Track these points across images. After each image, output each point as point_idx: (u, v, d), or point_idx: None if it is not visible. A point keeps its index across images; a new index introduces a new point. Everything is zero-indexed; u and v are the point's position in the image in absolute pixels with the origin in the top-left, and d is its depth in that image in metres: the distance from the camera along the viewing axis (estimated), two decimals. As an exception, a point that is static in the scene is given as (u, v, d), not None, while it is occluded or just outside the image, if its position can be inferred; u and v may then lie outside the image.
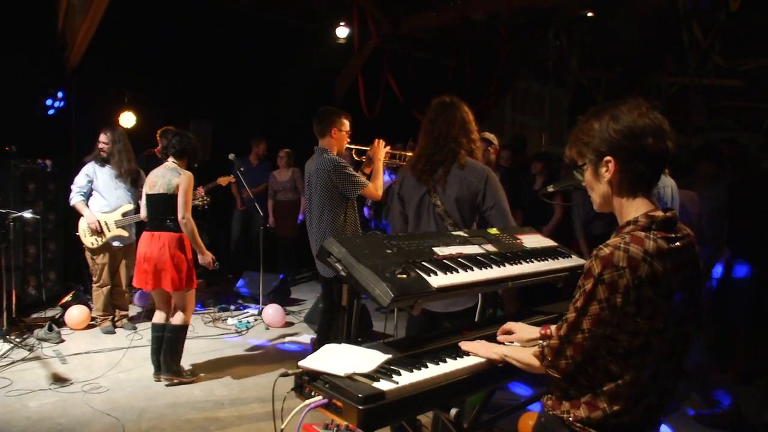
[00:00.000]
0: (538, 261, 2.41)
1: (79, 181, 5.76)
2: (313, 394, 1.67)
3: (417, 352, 1.91)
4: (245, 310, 6.87)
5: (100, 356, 5.23)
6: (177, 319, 4.66)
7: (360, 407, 1.52)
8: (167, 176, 4.58)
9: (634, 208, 1.65)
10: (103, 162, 5.81)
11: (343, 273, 1.91)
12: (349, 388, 1.57)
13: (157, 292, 4.68)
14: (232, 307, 6.93)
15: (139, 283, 4.66)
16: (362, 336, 5.53)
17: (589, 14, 7.76)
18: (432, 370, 1.75)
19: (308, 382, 1.69)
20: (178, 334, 4.65)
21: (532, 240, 2.64)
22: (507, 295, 5.59)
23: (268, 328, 6.28)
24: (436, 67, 9.46)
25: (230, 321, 6.40)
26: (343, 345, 1.84)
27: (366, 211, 7.67)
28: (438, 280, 1.94)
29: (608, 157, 1.62)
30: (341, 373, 1.63)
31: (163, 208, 4.60)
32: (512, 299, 5.54)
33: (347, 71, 9.37)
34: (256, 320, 6.50)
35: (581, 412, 1.63)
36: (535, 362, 1.69)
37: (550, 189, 2.35)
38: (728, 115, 12.60)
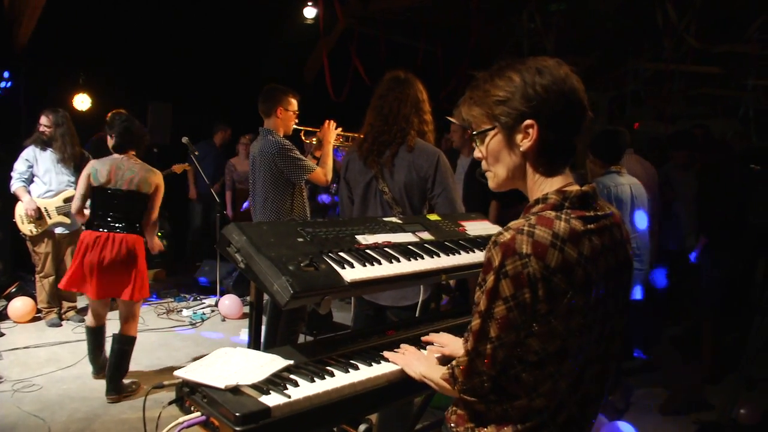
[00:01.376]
0: (481, 250, 2.15)
1: (19, 167, 5.40)
2: (192, 409, 1.41)
3: (327, 356, 1.65)
4: (202, 301, 6.57)
5: (39, 351, 4.91)
6: (126, 329, 4.15)
7: (236, 428, 1.26)
8: (142, 174, 4.00)
9: (548, 185, 1.35)
10: (44, 145, 5.44)
11: (242, 265, 1.64)
12: (227, 404, 1.31)
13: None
14: (190, 298, 6.63)
15: (85, 289, 4.01)
16: (320, 328, 5.28)
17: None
18: (338, 380, 1.49)
19: (188, 395, 1.43)
20: (129, 345, 4.18)
21: (478, 227, 2.38)
22: (472, 285, 5.31)
23: (224, 320, 6.00)
24: (406, 50, 9.16)
25: (185, 312, 6.11)
26: (238, 349, 1.58)
27: (326, 197, 7.38)
28: (353, 273, 1.68)
29: (530, 121, 1.30)
30: (221, 384, 1.37)
31: (132, 207, 4.04)
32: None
33: (316, 54, 9.04)
34: (212, 311, 6.21)
35: (489, 430, 1.35)
36: (447, 386, 1.40)
37: (487, 169, 2.09)
38: (706, 102, 12.47)
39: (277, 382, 1.43)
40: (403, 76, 2.85)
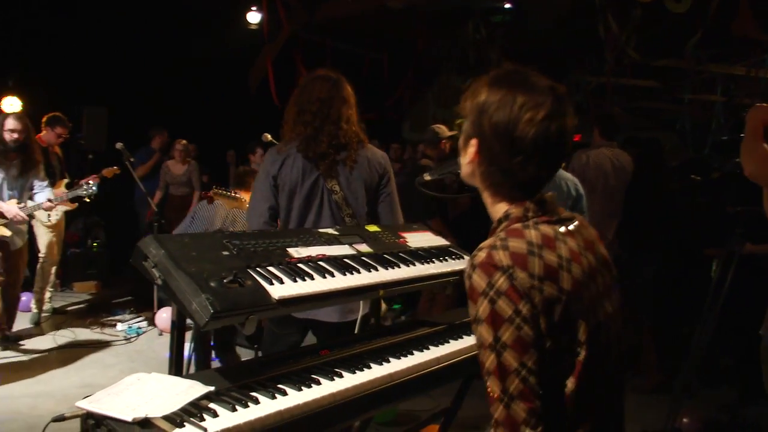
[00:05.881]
0: (422, 263, 2.06)
1: None
2: (98, 444, 1.26)
3: (252, 381, 1.52)
4: (138, 315, 6.26)
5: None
6: None
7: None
8: None
9: (500, 208, 1.31)
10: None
11: (159, 282, 1.51)
12: (134, 441, 1.17)
13: None
14: (126, 312, 6.30)
15: None
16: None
17: (507, 5, 7.58)
18: (263, 408, 1.37)
19: (93, 428, 1.28)
20: None
21: (420, 239, 2.30)
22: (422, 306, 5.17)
23: (161, 334, 5.73)
24: (353, 57, 9.09)
25: (119, 327, 5.81)
26: (154, 375, 1.44)
27: None
28: (282, 289, 1.56)
29: (473, 140, 1.29)
30: (128, 417, 1.23)
31: None
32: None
33: (260, 60, 8.87)
34: (149, 325, 5.93)
35: None
36: None
37: (427, 177, 2.01)
38: (644, 115, 12.86)
39: (193, 412, 1.30)
40: (335, 76, 2.68)
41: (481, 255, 1.18)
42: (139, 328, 5.79)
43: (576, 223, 1.32)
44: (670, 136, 10.93)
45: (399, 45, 8.85)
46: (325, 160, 2.59)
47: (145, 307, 6.40)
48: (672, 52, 8.30)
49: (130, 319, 6.06)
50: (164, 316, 5.80)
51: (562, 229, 1.26)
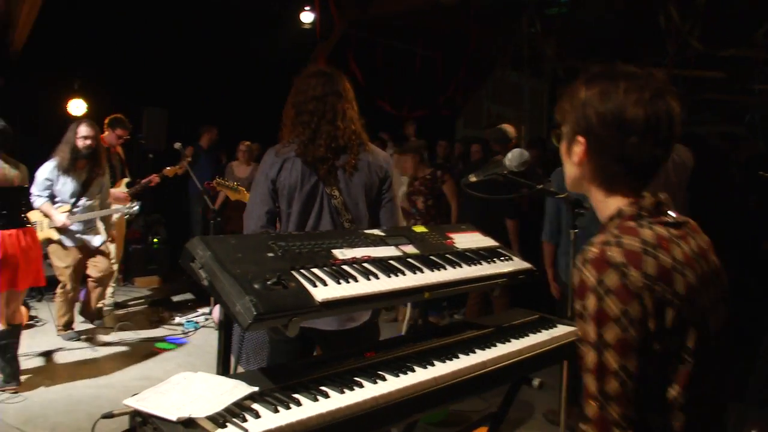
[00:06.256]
0: (469, 265, 2.03)
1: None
2: (145, 441, 1.30)
3: (296, 382, 1.53)
4: (196, 309, 6.44)
5: (26, 361, 4.81)
6: (17, 318, 4.36)
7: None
8: (15, 169, 4.29)
9: (614, 203, 1.28)
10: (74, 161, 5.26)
11: (205, 282, 1.53)
12: (177, 440, 1.20)
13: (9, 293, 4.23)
14: (185, 307, 6.50)
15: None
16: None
17: (563, -1, 7.41)
18: (304, 410, 1.37)
19: (140, 425, 1.32)
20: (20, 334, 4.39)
21: (467, 240, 2.26)
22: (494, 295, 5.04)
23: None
24: (405, 55, 9.07)
25: (177, 320, 6.00)
26: (200, 375, 1.47)
27: None
28: (325, 291, 1.56)
29: (581, 138, 1.27)
30: (173, 416, 1.26)
31: (21, 200, 4.47)
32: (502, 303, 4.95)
33: (314, 59, 8.97)
34: (206, 319, 6.09)
35: None
36: None
37: (473, 178, 1.98)
38: (710, 108, 12.33)
39: (236, 412, 1.32)
40: (329, 71, 2.56)
41: (594, 250, 1.16)
42: (197, 322, 5.95)
43: (690, 227, 1.29)
44: (738, 130, 10.45)
45: (451, 41, 8.77)
46: (324, 164, 2.47)
47: (203, 303, 6.59)
48: (740, 41, 7.93)
49: (189, 314, 6.24)
50: (221, 311, 5.95)
51: (675, 231, 1.23)
